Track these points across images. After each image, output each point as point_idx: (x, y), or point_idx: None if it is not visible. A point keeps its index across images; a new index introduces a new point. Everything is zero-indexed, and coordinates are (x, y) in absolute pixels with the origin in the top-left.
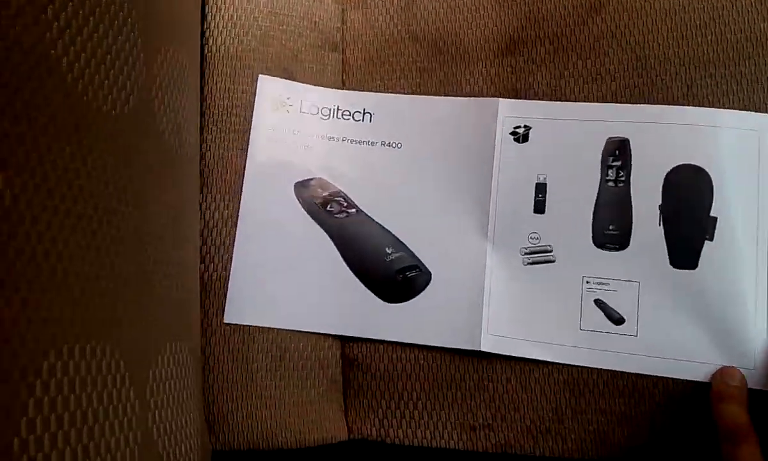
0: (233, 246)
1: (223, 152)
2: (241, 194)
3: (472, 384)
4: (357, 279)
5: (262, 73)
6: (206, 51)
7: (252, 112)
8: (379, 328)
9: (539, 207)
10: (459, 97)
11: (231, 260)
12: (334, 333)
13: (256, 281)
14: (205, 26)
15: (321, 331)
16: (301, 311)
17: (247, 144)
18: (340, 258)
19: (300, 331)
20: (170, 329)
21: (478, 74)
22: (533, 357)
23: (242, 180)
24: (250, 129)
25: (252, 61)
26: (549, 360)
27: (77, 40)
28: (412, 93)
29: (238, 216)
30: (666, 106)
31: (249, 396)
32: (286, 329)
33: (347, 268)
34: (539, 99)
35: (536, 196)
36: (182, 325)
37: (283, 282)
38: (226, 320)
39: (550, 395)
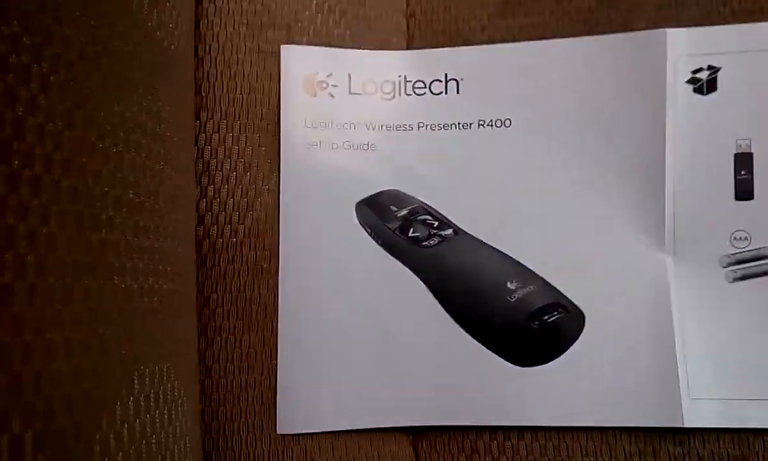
0: (276, 315)
1: (230, 55)
2: (265, 134)
3: None
4: (466, 335)
5: (283, 43)
6: None
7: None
8: (509, 408)
9: (744, 190)
10: (599, 36)
11: (276, 334)
12: (440, 424)
13: (318, 370)
14: None
15: (416, 423)
16: (386, 400)
17: (267, 49)
18: (437, 306)
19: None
20: (145, 353)
21: None
22: (761, 426)
23: (265, 113)
24: (271, 27)
25: None
26: None
27: None
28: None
29: (257, 163)
30: None
31: None
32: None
33: (450, 319)
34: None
35: (737, 173)
36: (167, 341)
37: (357, 361)
38: (280, 432)
39: None
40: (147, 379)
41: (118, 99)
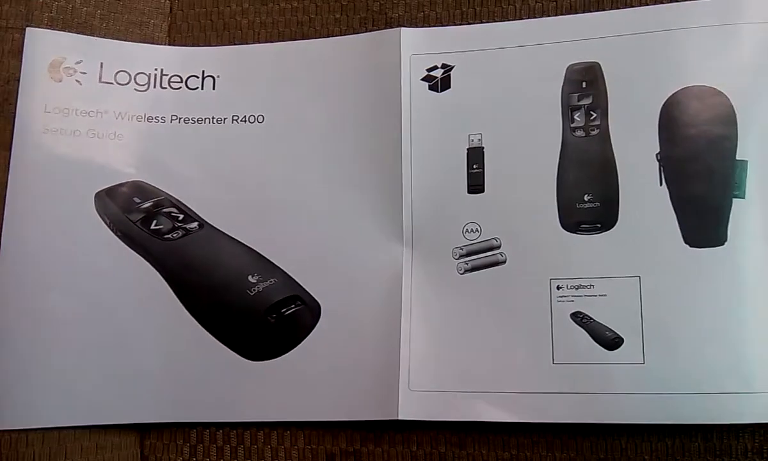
0: None
1: None
2: None
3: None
4: (203, 330)
5: (29, 25)
6: None
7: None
8: (241, 405)
9: (475, 184)
10: (339, 38)
11: None
12: (169, 421)
13: (37, 364)
14: None
15: (145, 421)
16: (112, 397)
17: (2, 25)
18: (175, 301)
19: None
20: None
21: None
22: (481, 419)
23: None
24: (7, 1)
25: None
26: (506, 420)
27: None
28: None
29: None
30: (651, 6)
31: None
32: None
33: (187, 314)
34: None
35: (470, 167)
36: None
37: (81, 356)
38: None
39: None
40: None
41: None
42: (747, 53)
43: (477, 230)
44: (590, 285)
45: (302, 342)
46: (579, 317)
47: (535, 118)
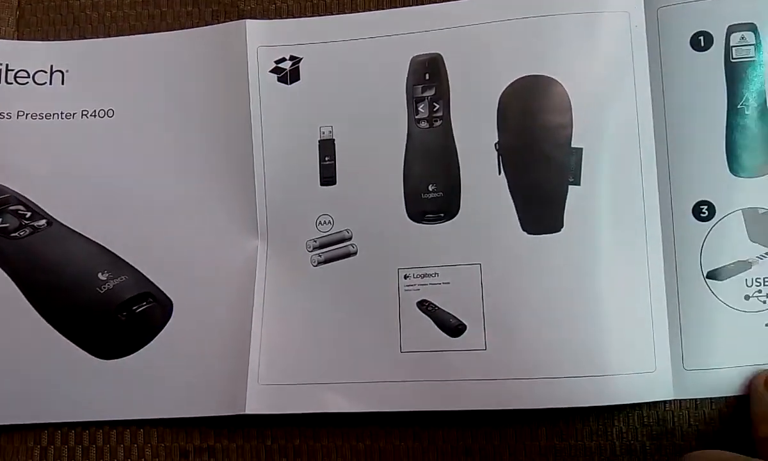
0: None
1: None
2: None
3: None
4: (52, 330)
5: None
6: None
7: None
8: (92, 404)
9: (327, 176)
10: (186, 30)
11: None
12: (18, 423)
13: None
14: None
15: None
16: None
17: None
18: (22, 300)
19: None
20: None
21: None
22: (329, 410)
23: None
24: None
25: None
26: (354, 410)
27: None
28: None
29: None
30: None
31: None
32: None
33: (36, 314)
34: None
35: (322, 159)
36: None
37: None
38: None
39: None
40: None
41: None
42: (596, 42)
43: (330, 222)
44: (435, 274)
45: (154, 339)
46: (424, 306)
47: (383, 109)
